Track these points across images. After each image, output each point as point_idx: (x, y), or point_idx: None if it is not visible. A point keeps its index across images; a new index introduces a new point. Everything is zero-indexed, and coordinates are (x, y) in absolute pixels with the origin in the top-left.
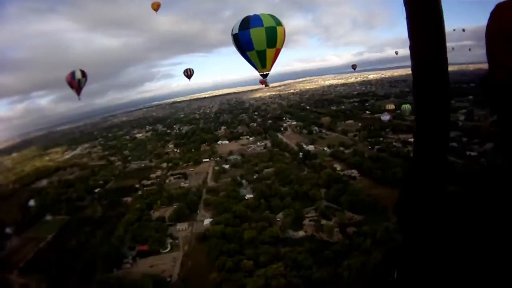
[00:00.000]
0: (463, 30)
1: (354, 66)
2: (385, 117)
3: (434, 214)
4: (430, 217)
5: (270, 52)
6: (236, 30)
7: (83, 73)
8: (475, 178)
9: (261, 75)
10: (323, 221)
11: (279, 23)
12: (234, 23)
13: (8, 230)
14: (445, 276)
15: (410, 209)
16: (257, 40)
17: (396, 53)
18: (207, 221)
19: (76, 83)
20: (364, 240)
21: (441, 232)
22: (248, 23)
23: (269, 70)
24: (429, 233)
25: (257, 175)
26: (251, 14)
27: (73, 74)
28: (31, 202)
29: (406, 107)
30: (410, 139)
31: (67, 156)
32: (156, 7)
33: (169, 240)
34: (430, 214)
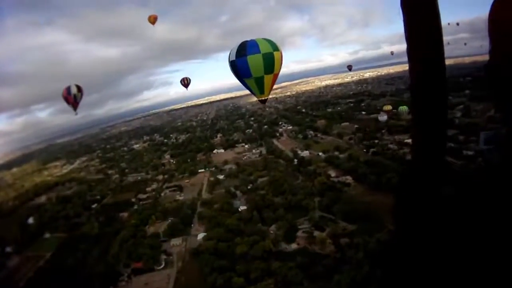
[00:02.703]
0: (457, 23)
1: (349, 67)
2: (382, 117)
3: (431, 217)
4: (427, 220)
5: (268, 78)
6: (233, 57)
7: (79, 88)
8: (471, 179)
9: (259, 100)
10: (316, 233)
11: (276, 48)
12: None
13: (8, 249)
14: (441, 278)
15: (407, 214)
16: (254, 67)
17: (392, 53)
18: (200, 236)
19: (72, 98)
20: (356, 253)
21: (437, 235)
22: (245, 49)
23: (267, 96)
24: (425, 236)
25: (251, 185)
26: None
27: (68, 89)
28: (30, 220)
29: (403, 109)
30: (406, 140)
31: (65, 171)
32: (153, 20)
33: (164, 257)
34: (427, 217)
